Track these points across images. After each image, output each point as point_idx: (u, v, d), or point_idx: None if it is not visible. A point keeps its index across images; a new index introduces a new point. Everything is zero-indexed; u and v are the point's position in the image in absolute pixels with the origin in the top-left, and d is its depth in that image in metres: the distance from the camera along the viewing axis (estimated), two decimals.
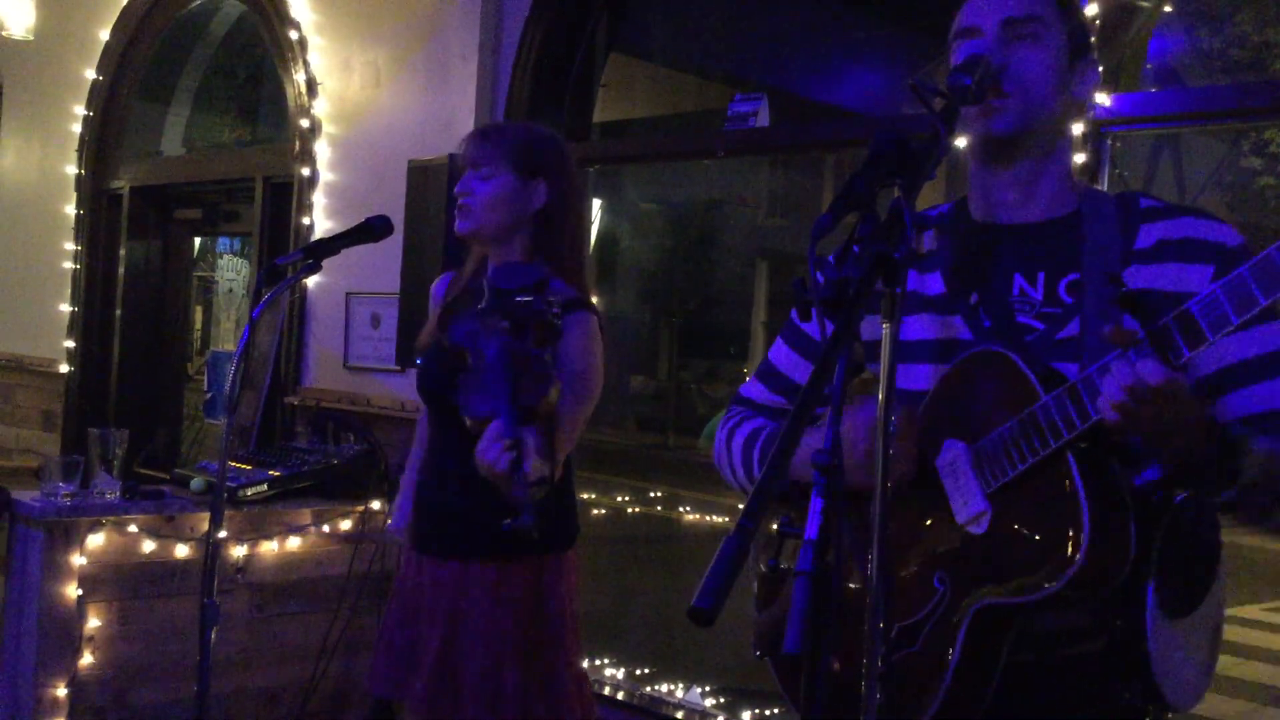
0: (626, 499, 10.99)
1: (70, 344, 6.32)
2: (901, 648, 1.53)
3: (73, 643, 3.56)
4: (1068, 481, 1.42)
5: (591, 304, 2.46)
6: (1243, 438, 1.44)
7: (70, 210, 6.37)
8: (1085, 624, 1.52)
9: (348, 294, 4.79)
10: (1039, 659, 1.53)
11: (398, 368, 4.47)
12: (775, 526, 1.76)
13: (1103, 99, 2.97)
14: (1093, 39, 1.69)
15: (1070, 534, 1.40)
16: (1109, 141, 3.07)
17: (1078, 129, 2.94)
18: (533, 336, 2.16)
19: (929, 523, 1.56)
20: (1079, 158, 2.94)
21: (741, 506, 1.10)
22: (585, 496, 6.81)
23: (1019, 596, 1.45)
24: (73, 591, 3.56)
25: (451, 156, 4.01)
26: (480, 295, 2.30)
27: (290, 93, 5.12)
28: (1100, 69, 1.68)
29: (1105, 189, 3.03)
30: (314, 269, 2.62)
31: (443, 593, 2.45)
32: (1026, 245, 1.62)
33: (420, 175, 4.19)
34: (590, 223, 5.26)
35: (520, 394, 2.05)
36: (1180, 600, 1.50)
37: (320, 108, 5.00)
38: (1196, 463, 1.42)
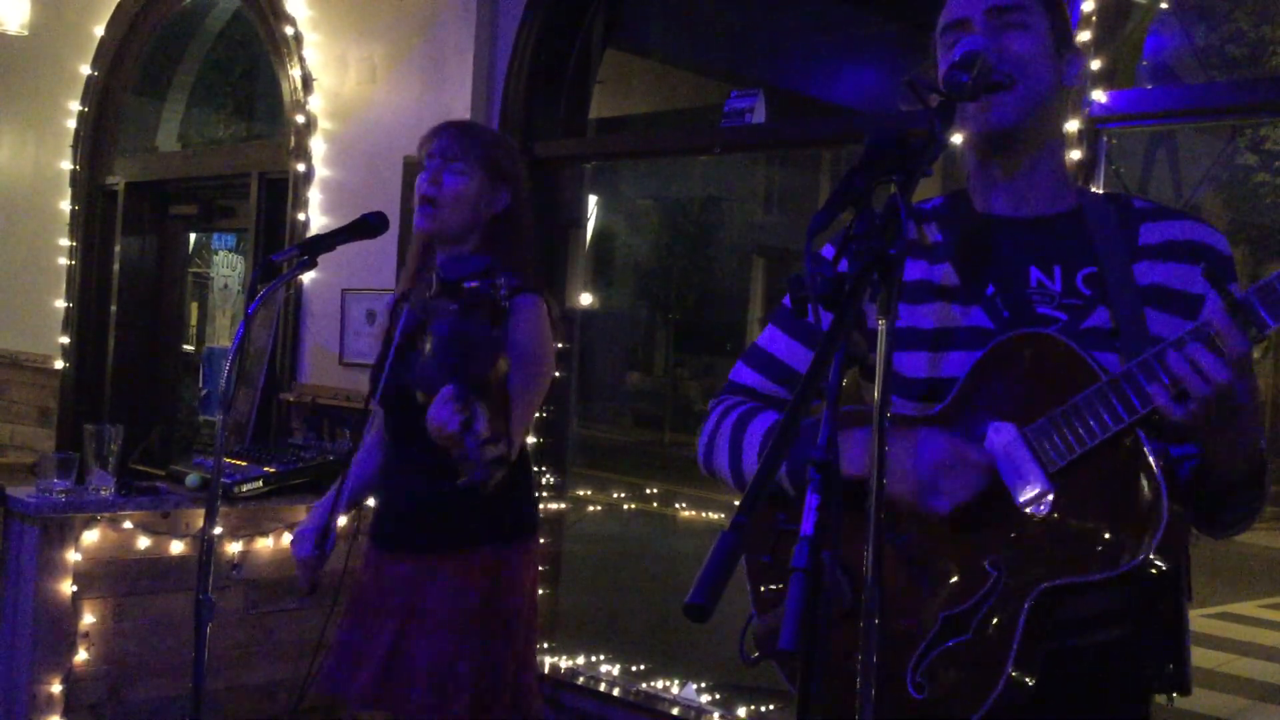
0: (622, 495, 10.99)
1: (65, 340, 6.31)
2: (950, 638, 1.51)
3: (68, 639, 3.56)
4: (1139, 458, 1.44)
5: (540, 290, 2.52)
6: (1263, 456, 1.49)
7: (65, 206, 6.36)
8: (1117, 609, 1.53)
9: (343, 290, 4.78)
10: (1074, 646, 1.53)
11: None
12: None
13: (1099, 96, 2.97)
14: (1071, 32, 1.71)
15: (1147, 511, 1.42)
16: (1105, 138, 3.07)
17: (1072, 125, 2.94)
18: (480, 316, 2.21)
19: (973, 509, 1.53)
20: (1075, 154, 2.94)
21: (737, 503, 1.10)
22: (581, 493, 6.81)
23: (1094, 573, 1.45)
24: (68, 588, 3.55)
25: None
26: (427, 288, 2.34)
27: (285, 88, 5.11)
28: (1084, 58, 1.71)
29: (1102, 185, 3.03)
30: (309, 265, 2.62)
31: (399, 587, 2.49)
32: (1036, 239, 1.64)
33: (416, 172, 4.18)
34: (587, 218, 5.26)
35: (470, 365, 2.11)
36: (1190, 582, 1.55)
37: (316, 104, 5.00)
38: (1239, 467, 1.46)
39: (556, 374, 2.61)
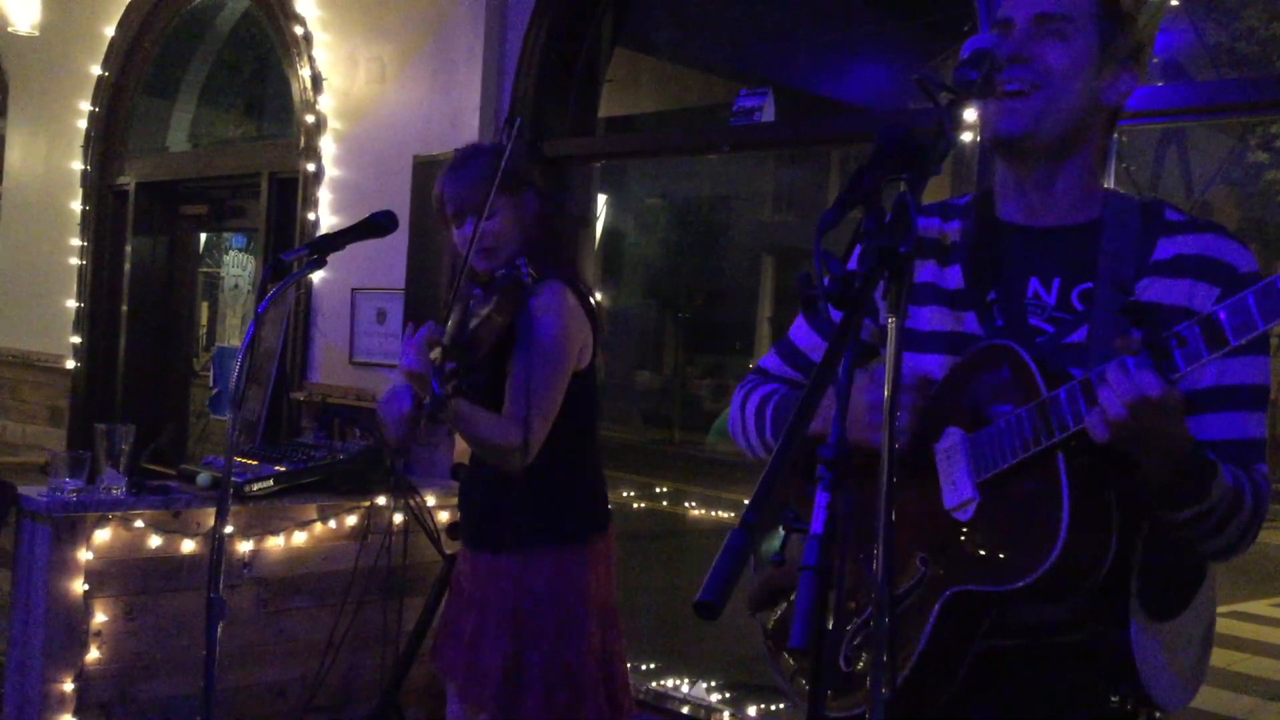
0: (632, 494, 11.01)
1: (77, 340, 6.33)
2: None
3: (79, 638, 3.57)
4: (1054, 481, 1.44)
5: (568, 276, 2.60)
6: (1214, 461, 1.46)
7: (76, 206, 6.38)
8: (1066, 618, 1.54)
9: (353, 289, 4.79)
10: (1023, 645, 1.56)
11: None
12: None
13: None
14: (1137, 49, 1.67)
15: (1047, 534, 1.43)
16: (1116, 136, 3.06)
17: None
18: (499, 295, 2.41)
19: (920, 505, 1.58)
20: None
21: (746, 501, 1.10)
22: None
23: (990, 585, 1.48)
24: (79, 587, 3.56)
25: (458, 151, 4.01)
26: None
27: (295, 88, 5.12)
28: (1135, 76, 1.66)
29: (1113, 184, 3.02)
30: (319, 264, 2.62)
31: (478, 582, 2.64)
32: (1046, 250, 1.65)
33: (425, 170, 4.19)
34: (596, 217, 5.26)
35: (457, 325, 2.37)
36: (1165, 603, 1.52)
37: (325, 103, 5.01)
38: (1173, 477, 1.43)
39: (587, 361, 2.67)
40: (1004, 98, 1.58)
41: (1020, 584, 1.44)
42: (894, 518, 1.57)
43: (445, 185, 2.65)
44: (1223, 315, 1.30)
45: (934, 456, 1.58)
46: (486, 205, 2.53)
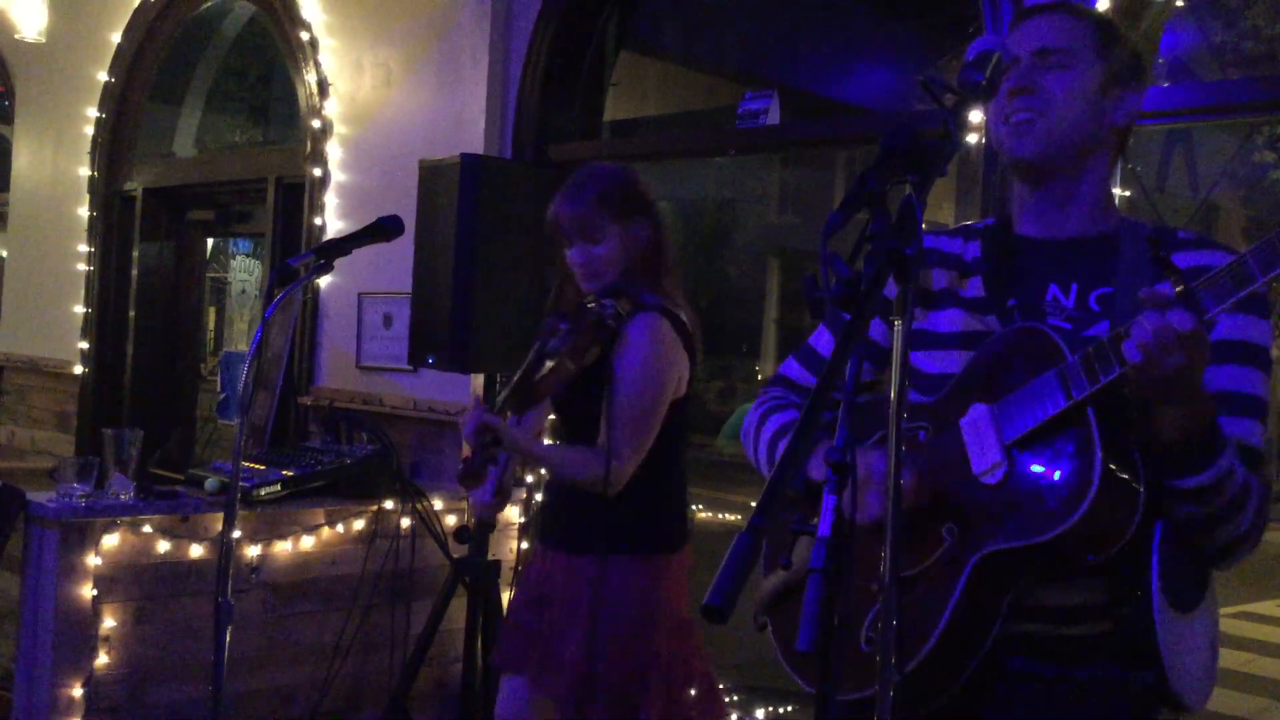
0: None
1: (84, 345, 6.34)
2: (901, 597, 1.56)
3: (88, 643, 3.57)
4: (1085, 434, 1.48)
5: (665, 308, 2.59)
6: (1224, 434, 1.49)
7: (83, 212, 6.39)
8: (1092, 602, 1.56)
9: (360, 294, 4.79)
10: (1048, 633, 1.57)
11: (410, 367, 4.48)
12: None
13: None
14: (1140, 71, 1.75)
15: (1080, 480, 1.46)
16: None
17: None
18: (582, 333, 2.42)
19: (946, 478, 1.61)
20: None
21: (754, 504, 1.10)
22: None
23: (1020, 540, 1.49)
24: (88, 592, 3.57)
25: (464, 156, 4.02)
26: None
27: (301, 93, 5.13)
28: (1138, 97, 1.75)
29: (1118, 184, 3.02)
30: (326, 269, 2.63)
31: (555, 580, 2.68)
32: (1063, 259, 1.71)
33: (431, 175, 4.19)
34: None
35: (521, 376, 2.42)
36: (1186, 594, 1.55)
37: (331, 108, 5.01)
38: (1183, 439, 1.47)
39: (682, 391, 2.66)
40: (1014, 126, 1.67)
41: (1052, 534, 1.46)
42: (916, 496, 1.60)
43: (560, 205, 2.64)
44: (1249, 257, 1.37)
45: (960, 432, 1.61)
46: (597, 229, 2.57)
